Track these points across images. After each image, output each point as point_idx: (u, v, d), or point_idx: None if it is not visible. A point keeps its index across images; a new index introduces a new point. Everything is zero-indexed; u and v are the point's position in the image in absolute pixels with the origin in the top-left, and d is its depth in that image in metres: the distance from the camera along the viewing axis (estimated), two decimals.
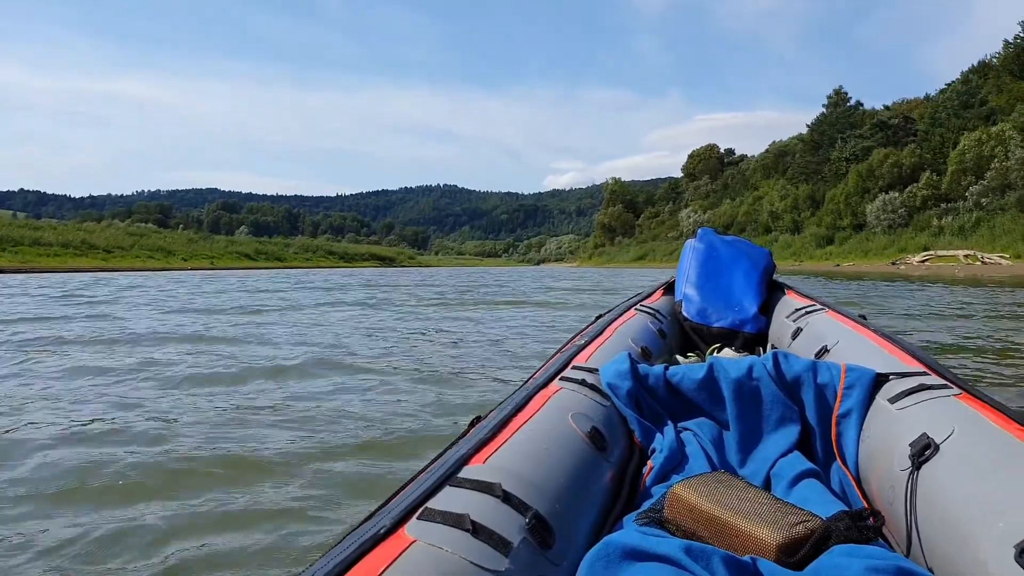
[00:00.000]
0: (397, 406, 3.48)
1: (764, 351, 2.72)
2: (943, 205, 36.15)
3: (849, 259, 38.20)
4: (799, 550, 0.94)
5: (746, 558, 0.90)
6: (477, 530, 0.86)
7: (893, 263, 32.19)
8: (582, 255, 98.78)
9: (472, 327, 7.58)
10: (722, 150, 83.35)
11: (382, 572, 0.75)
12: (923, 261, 30.54)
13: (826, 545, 0.94)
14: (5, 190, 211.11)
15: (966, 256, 28.56)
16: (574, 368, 1.65)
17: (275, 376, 4.28)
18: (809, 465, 1.40)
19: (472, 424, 1.33)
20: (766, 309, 2.93)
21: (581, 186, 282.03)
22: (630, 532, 0.97)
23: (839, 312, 2.38)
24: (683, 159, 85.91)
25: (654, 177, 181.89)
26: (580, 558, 0.91)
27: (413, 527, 0.84)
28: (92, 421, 3.14)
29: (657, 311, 2.75)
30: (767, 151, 68.13)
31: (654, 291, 3.18)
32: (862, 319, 2.22)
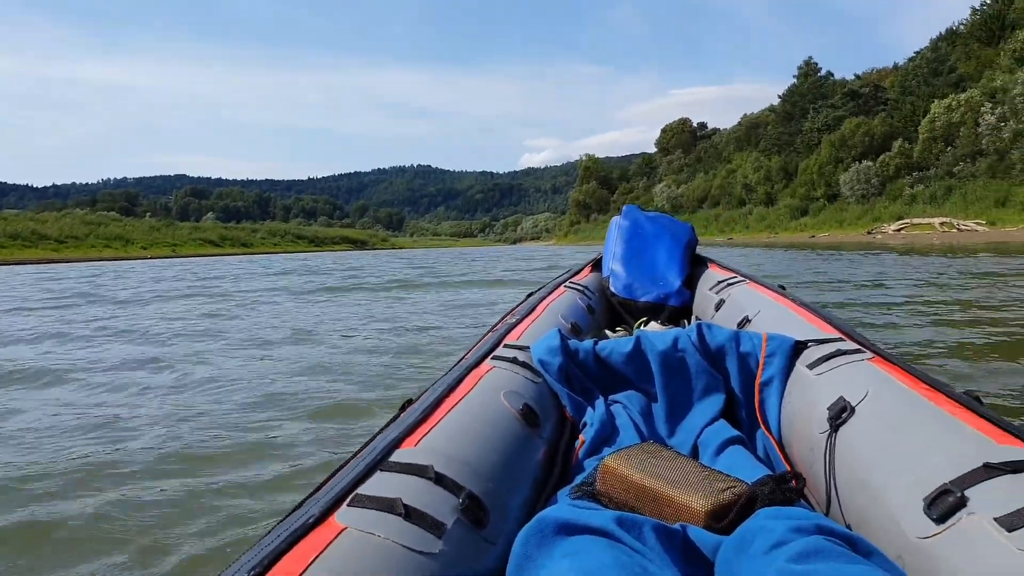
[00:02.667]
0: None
1: (689, 323, 2.72)
2: (915, 173, 35.87)
3: (824, 230, 37.86)
4: (727, 515, 0.96)
5: (676, 525, 0.92)
6: (409, 513, 0.86)
7: (869, 232, 31.85)
8: (558, 233, 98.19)
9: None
10: (695, 124, 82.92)
11: (312, 561, 0.74)
12: (899, 230, 30.16)
13: (752, 509, 0.96)
14: None
15: (942, 224, 28.19)
16: (505, 347, 1.64)
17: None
18: (734, 432, 1.42)
19: (403, 407, 1.28)
20: (690, 282, 2.99)
21: (557, 163, 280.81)
22: (563, 506, 0.97)
23: (759, 283, 2.43)
24: (657, 134, 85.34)
25: (630, 153, 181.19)
26: (515, 535, 0.90)
27: (343, 514, 0.83)
28: None
29: (586, 287, 2.78)
30: (739, 123, 67.87)
31: (582, 268, 3.22)
32: (781, 289, 2.27)
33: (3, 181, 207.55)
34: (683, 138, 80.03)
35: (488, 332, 1.99)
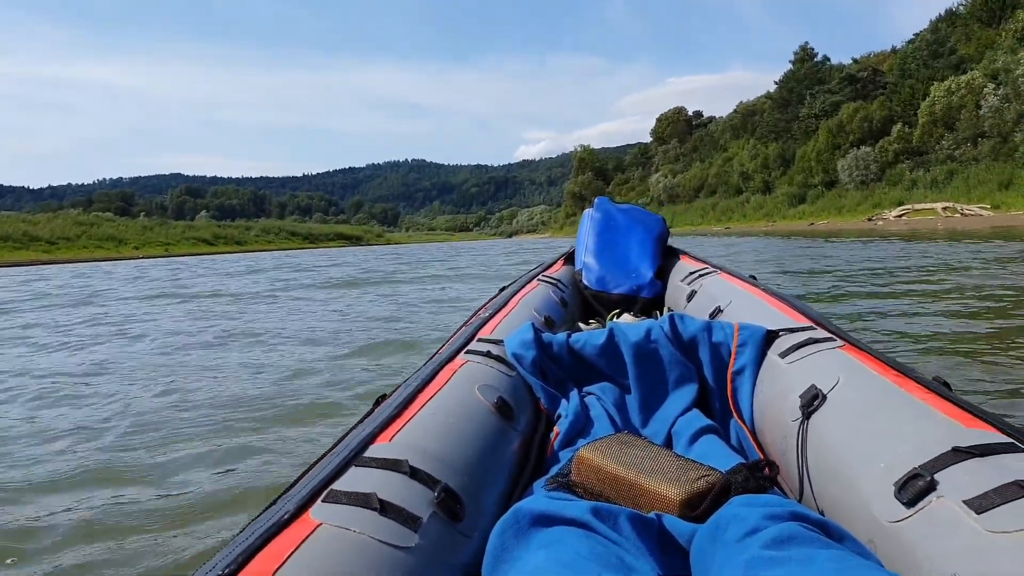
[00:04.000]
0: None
1: (661, 315, 2.72)
2: (916, 158, 35.43)
3: (823, 217, 37.51)
4: (701, 503, 0.97)
5: (651, 514, 0.93)
6: (385, 508, 0.85)
7: (869, 219, 31.45)
8: (554, 226, 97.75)
9: None
10: (690, 112, 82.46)
11: (287, 557, 0.74)
12: (900, 216, 29.75)
13: (726, 497, 0.97)
14: None
15: (944, 208, 27.77)
16: (479, 341, 1.65)
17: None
18: (707, 422, 1.44)
19: (377, 403, 1.28)
20: (662, 274, 3.01)
21: (552, 155, 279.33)
22: (538, 498, 0.98)
23: (731, 273, 2.44)
24: (653, 124, 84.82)
25: (625, 143, 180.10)
26: (491, 528, 0.91)
27: (318, 510, 0.83)
28: None
29: (559, 281, 2.78)
30: (735, 111, 67.38)
31: (555, 261, 3.21)
32: (752, 279, 2.29)
33: (0, 184, 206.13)
34: (679, 127, 79.57)
35: (461, 326, 1.97)
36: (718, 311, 2.06)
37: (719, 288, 2.29)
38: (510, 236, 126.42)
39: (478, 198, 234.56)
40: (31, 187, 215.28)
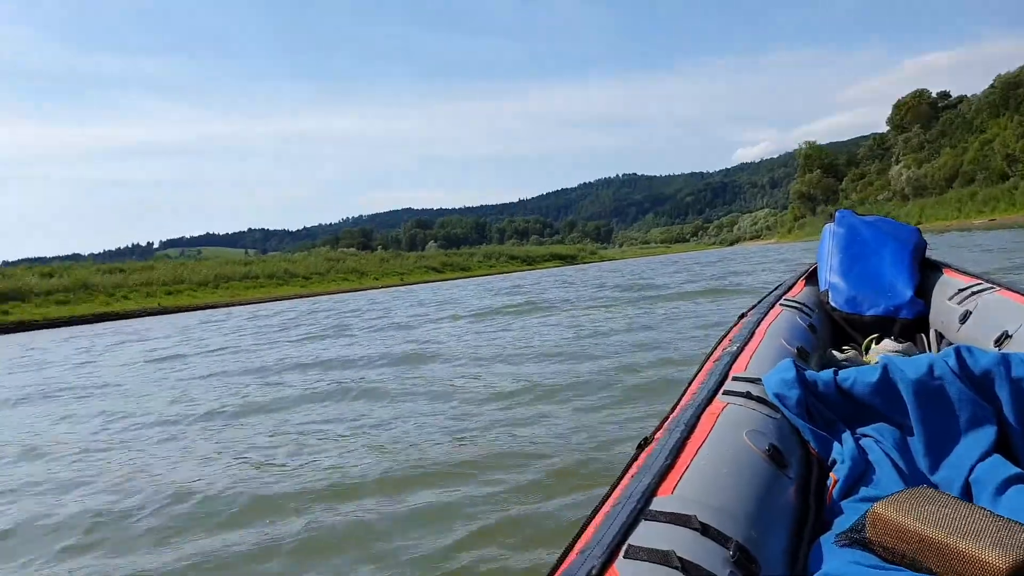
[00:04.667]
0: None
1: (926, 337, 2.57)
2: None
3: None
4: None
5: None
6: (686, 568, 0.84)
7: None
8: (780, 230, 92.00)
9: None
10: (934, 94, 73.10)
11: None
12: None
13: None
14: (236, 231, 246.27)
15: None
16: (735, 380, 1.59)
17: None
18: (1015, 470, 1.28)
19: (640, 448, 1.25)
20: (922, 291, 2.75)
21: (774, 155, 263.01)
22: (841, 564, 0.96)
23: (1013, 290, 2.16)
24: (888, 112, 76.54)
25: (857, 135, 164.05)
26: None
27: (622, 566, 0.82)
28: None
29: (803, 304, 2.60)
30: (992, 86, 58.64)
31: (795, 282, 3.01)
32: None
33: (267, 228, 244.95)
34: (921, 112, 70.97)
35: (708, 361, 1.87)
36: (1005, 337, 1.84)
37: (1001, 308, 2.03)
38: (731, 244, 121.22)
39: (694, 207, 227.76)
40: (290, 229, 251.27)
